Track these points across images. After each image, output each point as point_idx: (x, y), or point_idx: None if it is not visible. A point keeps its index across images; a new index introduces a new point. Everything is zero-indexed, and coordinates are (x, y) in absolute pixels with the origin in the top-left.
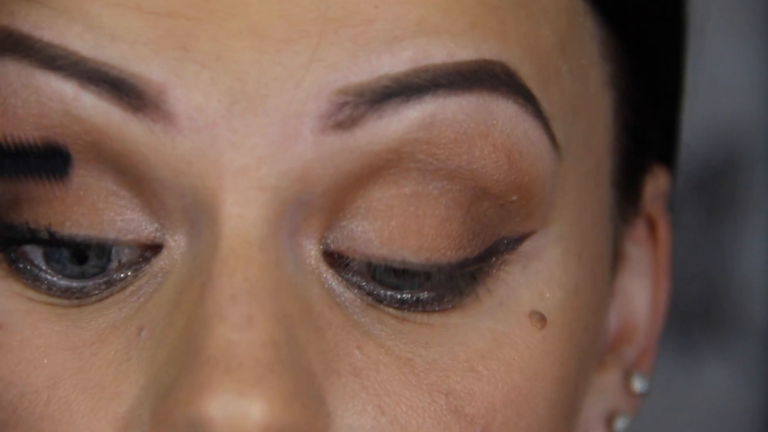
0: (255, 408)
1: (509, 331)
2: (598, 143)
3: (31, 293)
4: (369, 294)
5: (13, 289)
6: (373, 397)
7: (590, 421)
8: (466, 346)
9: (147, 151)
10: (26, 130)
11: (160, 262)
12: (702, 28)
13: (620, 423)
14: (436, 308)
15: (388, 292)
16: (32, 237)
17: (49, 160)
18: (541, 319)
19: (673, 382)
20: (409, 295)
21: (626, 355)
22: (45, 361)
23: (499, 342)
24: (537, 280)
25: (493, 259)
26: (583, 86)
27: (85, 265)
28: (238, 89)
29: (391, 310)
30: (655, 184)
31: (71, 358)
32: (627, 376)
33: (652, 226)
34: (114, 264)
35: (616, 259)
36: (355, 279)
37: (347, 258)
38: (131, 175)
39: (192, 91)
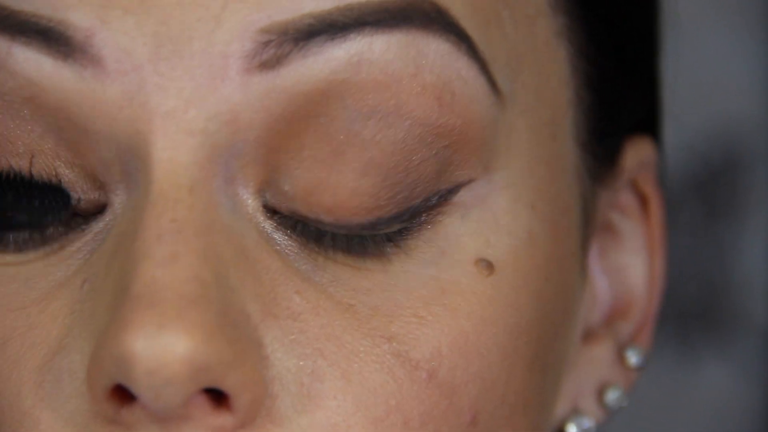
0: (176, 341)
1: (454, 279)
2: (553, 96)
3: None
4: (305, 233)
5: None
6: (312, 341)
7: (580, 392)
8: (408, 293)
9: (79, 98)
10: None
11: (105, 218)
12: (702, 28)
13: (611, 394)
14: (370, 247)
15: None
16: None
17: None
18: (488, 266)
19: (673, 382)
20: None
21: (621, 330)
22: None
23: (444, 289)
24: (481, 228)
25: (423, 216)
26: (529, 35)
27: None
28: (162, 33)
29: (330, 253)
30: (638, 153)
31: (20, 318)
32: (621, 350)
33: (644, 200)
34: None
35: (588, 220)
36: (297, 227)
37: (280, 212)
38: (69, 131)
39: (118, 34)
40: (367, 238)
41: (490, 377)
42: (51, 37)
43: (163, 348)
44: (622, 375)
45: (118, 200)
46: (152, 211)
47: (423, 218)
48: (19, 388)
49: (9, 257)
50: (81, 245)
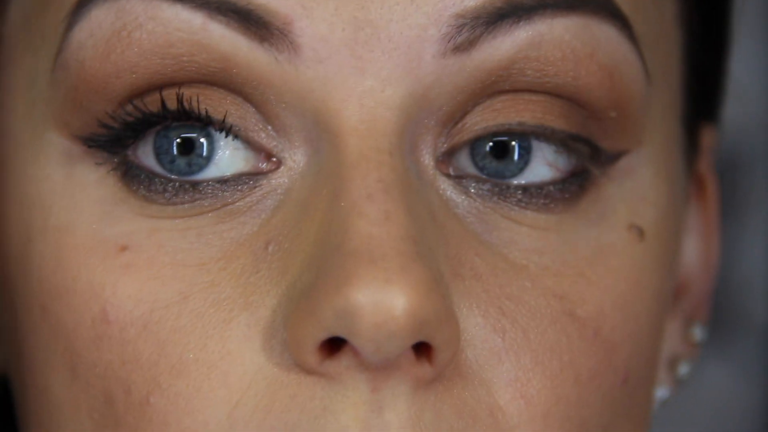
0: (401, 295)
1: (611, 242)
2: (673, 77)
3: (151, 209)
4: (491, 190)
5: (133, 209)
6: (494, 299)
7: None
8: (575, 252)
9: (272, 77)
10: (152, 61)
11: (278, 178)
12: None
13: (683, 368)
14: (557, 196)
15: (513, 181)
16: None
17: None
18: (639, 233)
19: None
20: (535, 181)
21: (684, 307)
22: (173, 277)
23: (604, 250)
24: (632, 197)
25: (596, 167)
26: (660, 17)
27: (191, 155)
28: (361, 17)
29: (506, 212)
30: (708, 139)
31: (199, 273)
32: (686, 326)
33: (701, 183)
34: (222, 156)
35: (687, 199)
36: (472, 187)
37: (456, 175)
38: (255, 97)
39: (316, 22)
40: (542, 195)
41: (641, 339)
42: (249, 20)
43: (390, 302)
44: (687, 349)
45: (294, 164)
46: (355, 172)
47: (592, 179)
48: (205, 341)
49: (172, 209)
50: (252, 202)
